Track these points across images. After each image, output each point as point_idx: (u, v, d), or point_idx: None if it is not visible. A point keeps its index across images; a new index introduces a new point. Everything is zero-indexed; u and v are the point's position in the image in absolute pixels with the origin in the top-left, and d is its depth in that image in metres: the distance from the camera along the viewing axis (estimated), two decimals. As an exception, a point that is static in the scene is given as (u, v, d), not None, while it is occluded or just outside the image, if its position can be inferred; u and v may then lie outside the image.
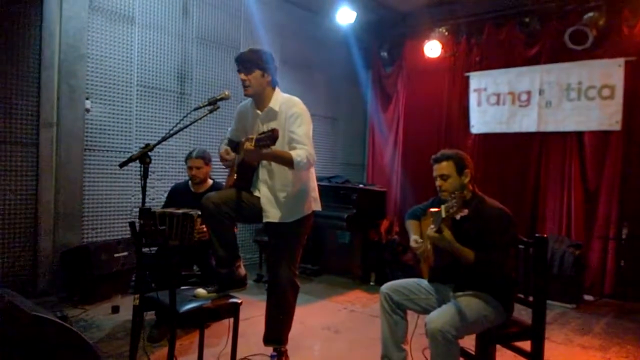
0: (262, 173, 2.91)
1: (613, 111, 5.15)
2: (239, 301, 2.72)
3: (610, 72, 5.16)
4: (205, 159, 3.79)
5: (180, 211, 3.40)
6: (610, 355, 3.52)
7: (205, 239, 3.31)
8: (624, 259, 4.99)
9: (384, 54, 7.05)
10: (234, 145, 3.07)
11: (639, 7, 5.00)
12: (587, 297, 5.03)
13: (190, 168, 3.78)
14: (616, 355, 3.52)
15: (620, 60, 5.08)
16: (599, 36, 5.16)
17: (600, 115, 5.24)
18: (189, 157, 3.79)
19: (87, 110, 4.42)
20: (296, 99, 2.89)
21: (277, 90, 2.92)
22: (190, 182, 3.86)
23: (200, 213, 3.32)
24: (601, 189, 5.28)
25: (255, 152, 2.49)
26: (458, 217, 2.28)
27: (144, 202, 2.38)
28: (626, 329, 4.10)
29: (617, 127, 5.13)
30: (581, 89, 5.37)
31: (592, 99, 5.29)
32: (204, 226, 3.31)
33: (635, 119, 5.06)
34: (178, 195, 3.87)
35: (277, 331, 3.02)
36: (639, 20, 5.00)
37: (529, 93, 5.75)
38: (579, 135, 5.44)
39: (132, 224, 2.64)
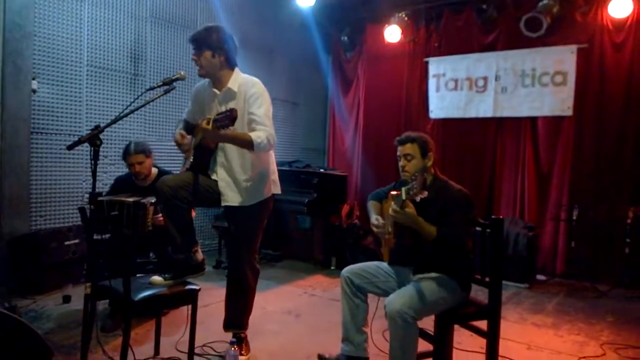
0: (220, 156, 2.83)
1: (565, 97, 5.30)
2: (198, 288, 2.66)
3: (563, 58, 5.29)
4: (146, 151, 3.52)
5: (132, 199, 3.25)
6: (563, 332, 3.64)
7: (160, 225, 3.20)
8: (574, 240, 5.16)
9: (345, 38, 7.00)
10: (190, 127, 2.98)
11: (592, -6, 5.14)
12: (540, 277, 5.20)
13: (131, 165, 3.49)
14: (568, 332, 3.65)
15: (573, 47, 5.22)
16: (553, 23, 5.28)
17: (553, 101, 5.38)
18: (127, 154, 3.49)
19: (34, 91, 4.20)
20: (255, 80, 2.81)
21: (237, 70, 2.83)
22: (133, 177, 3.61)
23: (153, 201, 3.21)
24: (553, 173, 5.45)
25: (213, 132, 2.42)
26: (418, 199, 2.28)
27: (94, 186, 2.27)
28: (576, 308, 4.26)
29: (569, 112, 5.28)
30: (535, 75, 5.49)
31: (546, 85, 5.43)
32: (159, 216, 3.19)
33: (586, 104, 5.23)
34: (122, 189, 3.57)
35: (237, 316, 2.98)
36: (592, 8, 5.15)
37: (485, 79, 5.84)
38: (532, 120, 5.59)
39: (82, 210, 2.53)
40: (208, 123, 2.42)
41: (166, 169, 3.80)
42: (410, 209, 2.37)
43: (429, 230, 2.41)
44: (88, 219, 2.32)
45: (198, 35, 2.74)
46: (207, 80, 2.89)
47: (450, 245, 2.48)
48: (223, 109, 2.69)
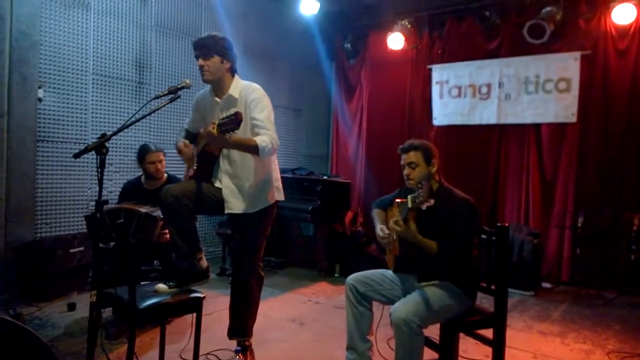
0: (224, 163, 2.83)
1: (569, 104, 5.29)
2: (202, 295, 2.65)
3: (566, 65, 5.30)
4: (162, 150, 3.69)
5: (144, 210, 3.26)
6: (569, 340, 3.62)
7: (165, 242, 3.21)
8: (579, 247, 5.15)
9: (348, 45, 7.02)
10: (192, 136, 2.99)
11: (595, 1, 5.14)
12: (545, 285, 5.18)
13: (152, 163, 3.63)
14: (574, 340, 3.63)
15: (577, 54, 5.23)
16: (556, 30, 5.27)
17: (556, 107, 5.38)
18: (147, 153, 3.62)
19: (40, 100, 4.23)
20: (255, 85, 2.83)
21: (237, 77, 2.85)
22: (143, 178, 3.68)
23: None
24: (558, 180, 5.43)
25: (218, 137, 2.41)
26: (424, 207, 2.28)
27: (100, 194, 2.28)
28: (582, 315, 4.23)
29: (573, 119, 5.28)
30: (539, 82, 5.50)
31: (549, 92, 5.42)
32: (165, 232, 3.19)
33: (590, 111, 5.22)
34: (131, 194, 3.65)
35: (241, 324, 2.97)
36: (595, 15, 5.15)
37: (489, 86, 5.84)
38: (536, 127, 5.58)
39: (88, 218, 2.53)
40: (213, 127, 2.42)
41: (177, 176, 3.83)
42: (412, 225, 2.38)
43: (429, 245, 2.43)
44: (94, 226, 2.32)
45: (205, 41, 2.74)
46: (207, 89, 2.91)
47: (451, 259, 2.48)
48: (225, 115, 2.70)
